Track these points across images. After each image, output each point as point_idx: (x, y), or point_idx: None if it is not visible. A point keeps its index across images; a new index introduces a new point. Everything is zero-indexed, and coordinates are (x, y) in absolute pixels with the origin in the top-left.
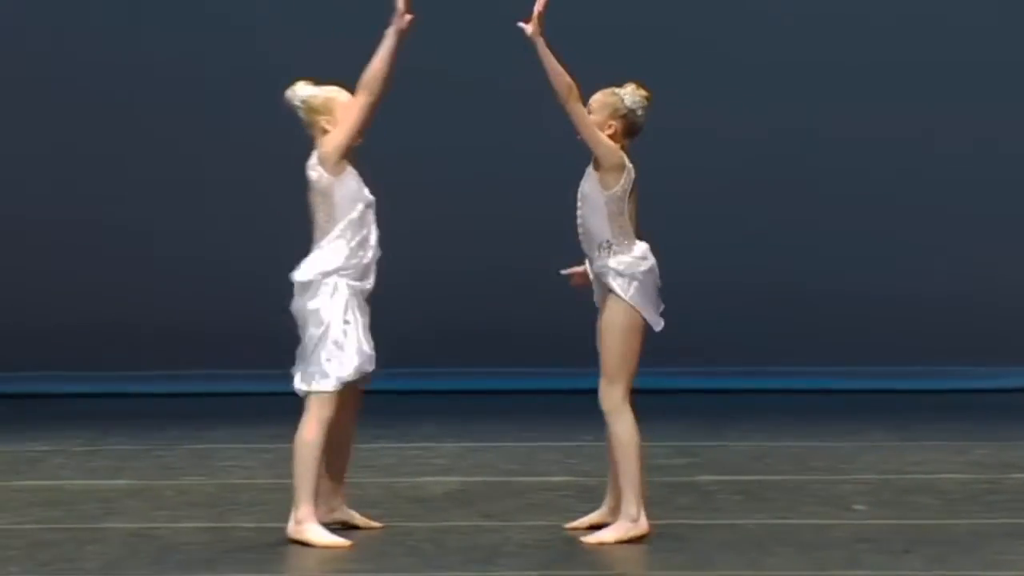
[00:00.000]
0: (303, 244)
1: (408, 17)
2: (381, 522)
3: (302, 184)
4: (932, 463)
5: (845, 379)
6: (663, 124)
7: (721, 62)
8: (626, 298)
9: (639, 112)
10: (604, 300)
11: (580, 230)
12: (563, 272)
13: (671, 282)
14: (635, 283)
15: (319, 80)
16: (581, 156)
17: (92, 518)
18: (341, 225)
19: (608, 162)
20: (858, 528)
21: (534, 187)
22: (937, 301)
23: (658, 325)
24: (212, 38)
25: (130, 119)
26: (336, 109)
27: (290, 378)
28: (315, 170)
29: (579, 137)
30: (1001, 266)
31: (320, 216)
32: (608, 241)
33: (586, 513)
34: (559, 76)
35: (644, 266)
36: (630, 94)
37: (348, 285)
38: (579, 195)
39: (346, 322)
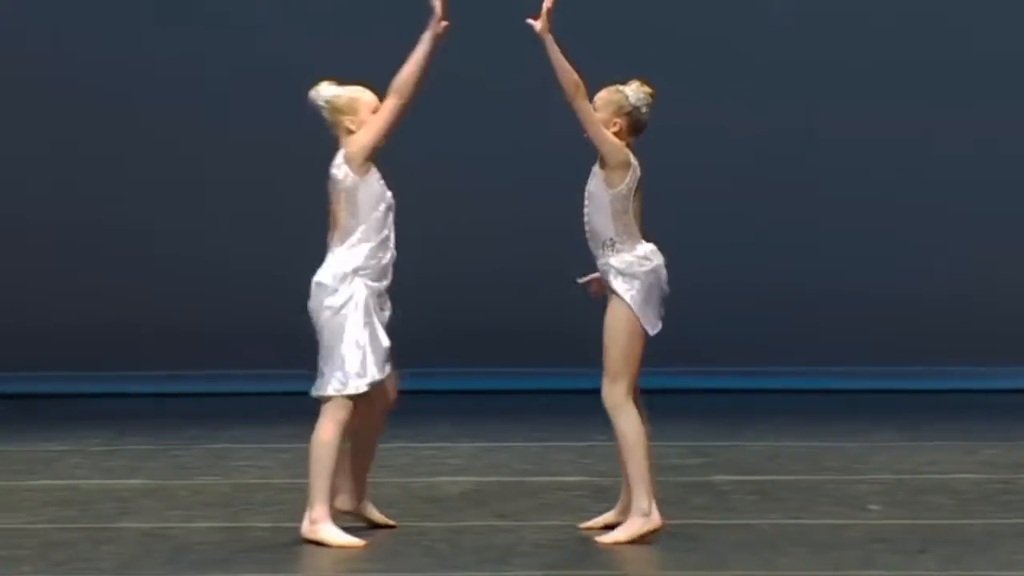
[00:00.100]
0: (305, 243)
1: (444, 23)
2: (396, 522)
3: (303, 184)
4: (946, 463)
5: (845, 379)
6: (662, 123)
7: (721, 62)
8: (626, 298)
9: (643, 109)
10: (608, 298)
11: (586, 229)
12: (580, 281)
13: (669, 282)
14: (636, 283)
15: (342, 80)
16: (588, 156)
17: (107, 518)
18: (364, 226)
19: (614, 160)
20: (873, 528)
21: (544, 188)
22: (937, 301)
23: (653, 329)
24: (212, 38)
25: (130, 119)
26: (360, 109)
27: (312, 379)
28: (340, 169)
29: (585, 135)
30: (1001, 266)
31: (342, 215)
32: (612, 239)
33: (600, 513)
34: (567, 73)
35: (647, 267)
36: (634, 91)
37: (367, 285)
38: (586, 194)
39: (365, 324)
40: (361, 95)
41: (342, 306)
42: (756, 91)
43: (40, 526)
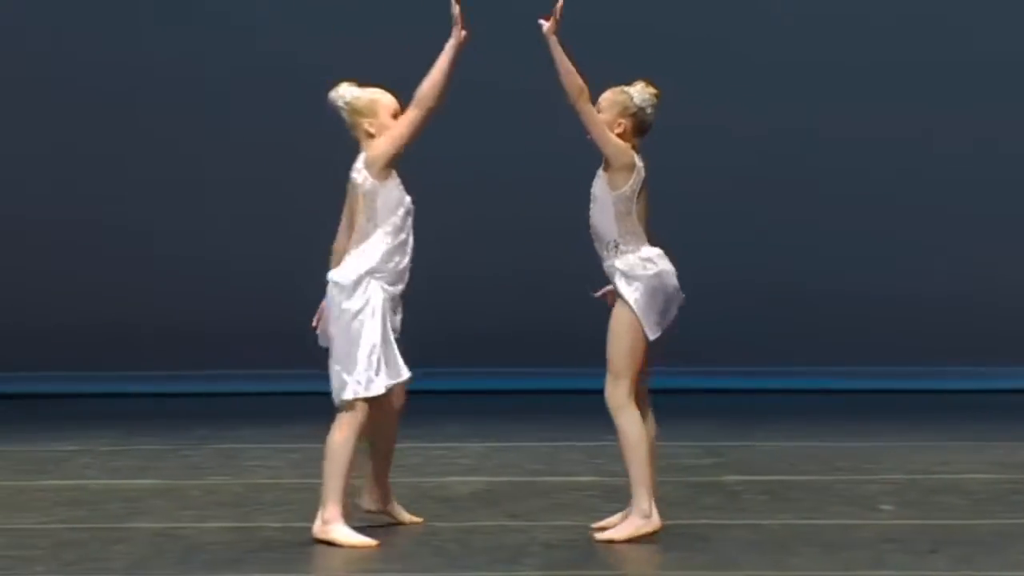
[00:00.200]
0: (306, 242)
1: (464, 32)
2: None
3: (304, 183)
4: (957, 463)
5: (845, 379)
6: (663, 123)
7: (721, 62)
8: (628, 300)
9: (648, 110)
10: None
11: (592, 231)
12: (595, 294)
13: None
14: (638, 285)
15: (362, 83)
16: (597, 156)
17: (118, 518)
18: (381, 230)
19: (618, 162)
20: (884, 528)
21: (554, 188)
22: (937, 301)
23: (653, 334)
24: (212, 38)
25: (130, 119)
26: (380, 112)
27: (323, 378)
28: (360, 173)
29: (589, 137)
30: (1001, 266)
31: (360, 218)
32: (615, 241)
33: (612, 513)
34: (571, 76)
35: (650, 270)
36: (639, 92)
37: (383, 288)
38: (591, 196)
39: (382, 329)
40: (381, 97)
41: (359, 311)
42: (756, 91)
43: (52, 526)
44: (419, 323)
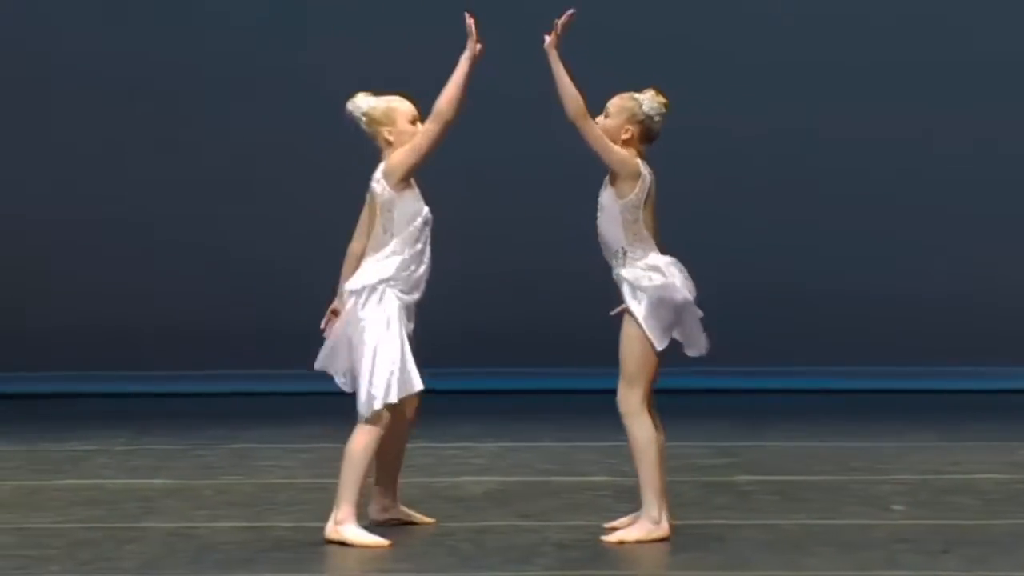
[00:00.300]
0: (308, 242)
1: (480, 46)
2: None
3: (304, 184)
4: (970, 463)
5: (845, 379)
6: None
7: (721, 62)
8: (634, 312)
9: (656, 118)
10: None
11: (600, 239)
12: (613, 313)
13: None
14: (642, 296)
15: (377, 92)
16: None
17: (132, 517)
18: (397, 239)
19: (624, 171)
20: (896, 528)
21: (568, 189)
22: (937, 301)
23: (660, 344)
24: (212, 38)
25: (130, 118)
26: (398, 119)
27: (329, 378)
28: (379, 183)
29: (593, 151)
30: (1001, 266)
31: (378, 227)
32: (623, 248)
33: (625, 513)
34: (569, 89)
35: (655, 282)
36: (649, 100)
37: (397, 296)
38: (598, 205)
39: (398, 337)
40: (399, 105)
41: (375, 319)
42: (756, 92)
43: (68, 525)
44: (434, 323)
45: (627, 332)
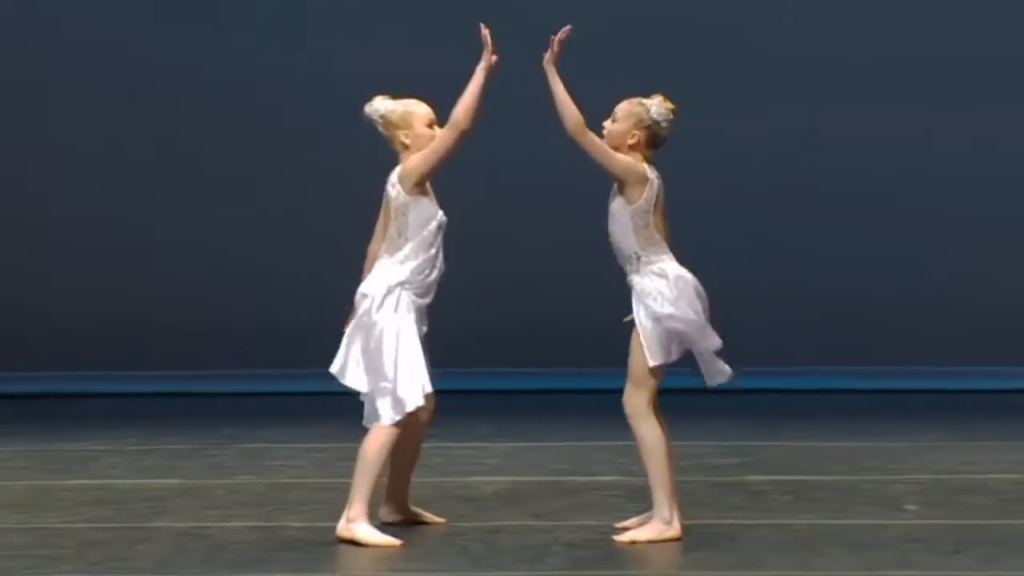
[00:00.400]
0: (311, 242)
1: (495, 57)
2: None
3: (304, 184)
4: (983, 463)
5: (845, 379)
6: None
7: (721, 62)
8: (637, 325)
9: (663, 124)
10: None
11: (612, 246)
12: (625, 320)
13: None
14: (648, 313)
15: (395, 95)
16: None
17: (142, 517)
18: (411, 243)
19: (630, 177)
20: (909, 528)
21: (580, 189)
22: (937, 301)
23: (654, 360)
24: (212, 38)
25: (130, 118)
26: (415, 123)
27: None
28: (394, 188)
29: (596, 164)
30: (1001, 266)
31: (392, 230)
32: (636, 253)
33: (637, 513)
34: (568, 110)
35: (664, 308)
36: (657, 106)
37: (411, 300)
38: (609, 213)
39: (413, 342)
40: (416, 108)
41: (390, 323)
42: (756, 92)
43: (78, 525)
44: (448, 323)
45: (635, 340)
